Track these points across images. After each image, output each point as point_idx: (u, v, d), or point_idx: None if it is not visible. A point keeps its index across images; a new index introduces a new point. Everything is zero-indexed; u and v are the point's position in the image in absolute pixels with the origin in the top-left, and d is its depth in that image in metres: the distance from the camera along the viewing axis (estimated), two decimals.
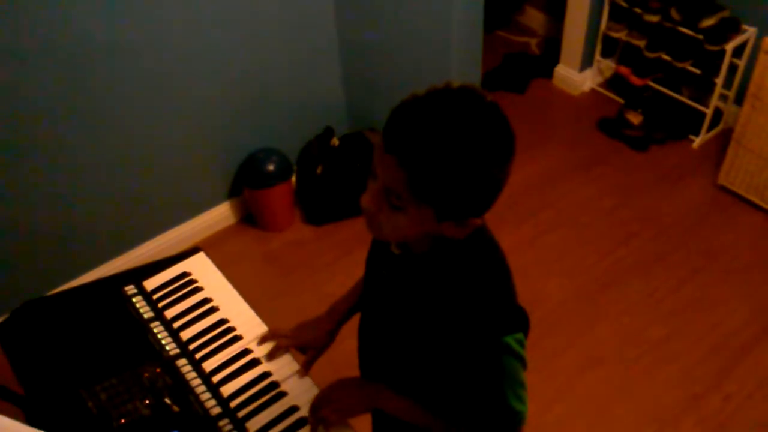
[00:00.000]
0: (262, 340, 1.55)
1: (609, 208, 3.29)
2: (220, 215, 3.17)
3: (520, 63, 4.08)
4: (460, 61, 3.19)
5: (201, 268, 1.72)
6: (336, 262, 3.05)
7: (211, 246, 3.10)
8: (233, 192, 3.16)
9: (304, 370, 1.51)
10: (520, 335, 1.17)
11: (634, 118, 3.56)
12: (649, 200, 3.31)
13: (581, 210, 3.28)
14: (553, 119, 3.89)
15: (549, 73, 4.00)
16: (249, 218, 3.22)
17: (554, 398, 2.52)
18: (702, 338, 2.72)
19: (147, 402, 1.39)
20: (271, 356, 1.51)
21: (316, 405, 1.39)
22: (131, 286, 1.64)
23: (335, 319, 1.53)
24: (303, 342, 1.53)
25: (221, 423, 1.38)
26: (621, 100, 3.75)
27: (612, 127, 3.62)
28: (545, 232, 3.18)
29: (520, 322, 1.18)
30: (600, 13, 3.60)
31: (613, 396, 2.56)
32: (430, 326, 1.18)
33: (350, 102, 3.35)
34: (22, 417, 1.31)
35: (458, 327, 1.15)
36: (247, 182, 3.05)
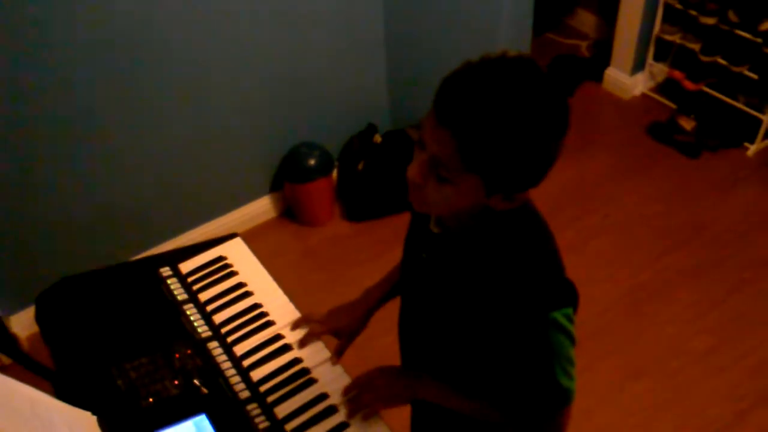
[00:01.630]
0: (295, 325, 1.52)
1: (657, 214, 3.19)
2: (261, 208, 3.17)
3: (569, 65, 4.00)
4: None
5: (237, 252, 1.70)
6: (374, 259, 3.02)
7: (252, 238, 3.02)
8: (275, 186, 3.16)
9: (336, 356, 1.48)
10: (568, 310, 1.13)
11: (687, 124, 3.45)
12: (700, 208, 3.20)
13: (629, 216, 3.19)
14: (602, 123, 3.81)
15: (599, 77, 3.91)
16: (289, 212, 3.22)
17: (595, 407, 2.44)
18: (750, 352, 2.61)
19: (176, 383, 1.37)
20: (303, 342, 1.49)
21: (357, 391, 1.36)
22: (167, 268, 1.63)
23: (369, 304, 1.50)
24: (336, 327, 1.50)
25: (249, 407, 1.36)
26: (673, 105, 3.64)
27: (663, 132, 3.52)
28: (591, 237, 3.10)
29: (568, 296, 1.15)
30: (653, 15, 3.51)
31: (656, 408, 2.47)
32: (475, 305, 1.15)
33: (394, 99, 3.32)
34: (51, 391, 1.31)
35: (505, 303, 1.11)
36: (288, 176, 3.04)
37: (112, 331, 1.49)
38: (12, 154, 2.38)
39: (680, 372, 2.55)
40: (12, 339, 2.48)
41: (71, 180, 2.56)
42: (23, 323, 2.62)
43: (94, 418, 1.27)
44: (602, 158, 3.51)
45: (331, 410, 1.36)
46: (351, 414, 1.35)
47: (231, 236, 1.75)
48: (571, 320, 1.14)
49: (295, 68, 2.89)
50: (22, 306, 2.64)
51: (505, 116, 0.95)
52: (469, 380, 1.26)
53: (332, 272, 3.03)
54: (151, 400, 1.34)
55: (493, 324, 1.14)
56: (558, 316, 1.11)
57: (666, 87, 3.77)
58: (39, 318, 1.54)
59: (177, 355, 1.43)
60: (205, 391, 1.37)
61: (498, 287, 1.12)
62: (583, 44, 4.23)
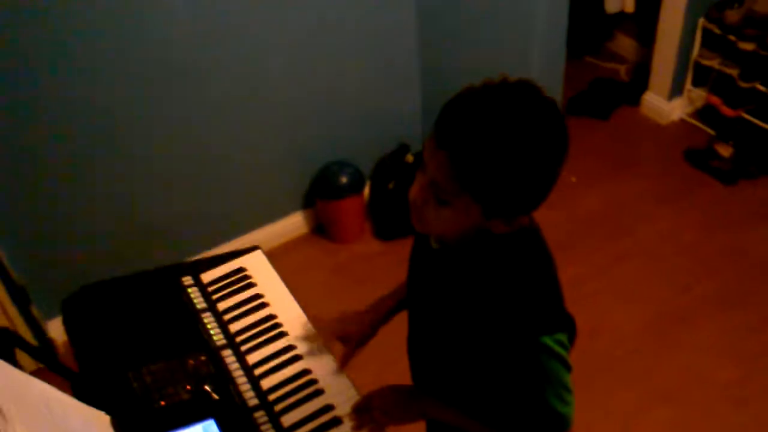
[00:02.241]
0: (306, 329, 1.56)
1: (691, 241, 3.15)
2: (293, 224, 3.23)
3: (606, 89, 3.99)
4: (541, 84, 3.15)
5: (257, 265, 1.76)
6: (403, 276, 3.04)
7: (283, 254, 3.17)
8: (307, 203, 3.22)
9: (343, 361, 1.51)
10: (561, 336, 1.13)
11: (724, 151, 3.41)
12: (735, 236, 3.15)
13: (661, 241, 3.16)
14: (637, 147, 3.78)
15: (636, 101, 3.89)
16: (320, 229, 3.27)
17: None
18: None
19: (188, 388, 1.43)
20: (310, 350, 1.53)
21: (366, 405, 1.39)
22: (188, 277, 1.70)
23: (378, 314, 1.53)
24: (345, 332, 1.53)
25: (257, 414, 1.40)
26: (711, 132, 3.60)
27: (700, 158, 3.47)
28: (620, 260, 3.08)
29: (561, 323, 1.15)
30: (691, 40, 3.49)
31: None
32: (469, 323, 1.17)
33: (426, 121, 3.37)
34: (70, 392, 1.37)
35: (496, 324, 1.13)
36: (319, 193, 3.10)
37: (131, 336, 1.55)
38: (58, 167, 2.50)
39: (704, 402, 2.50)
40: (36, 342, 2.57)
41: (110, 194, 2.67)
42: (59, 328, 2.72)
43: (108, 417, 1.32)
44: (637, 182, 3.48)
45: (336, 421, 1.40)
46: (358, 428, 1.38)
47: (252, 249, 1.80)
48: (564, 346, 1.14)
49: (331, 89, 2.96)
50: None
51: (501, 140, 0.98)
52: (471, 400, 1.28)
53: (361, 288, 3.03)
54: (163, 403, 1.40)
55: (487, 345, 1.15)
56: (549, 341, 1.11)
57: (704, 113, 3.72)
58: (65, 323, 1.62)
59: (191, 362, 1.48)
60: (215, 396, 1.42)
61: (491, 308, 1.13)
62: (622, 68, 4.21)
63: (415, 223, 1.14)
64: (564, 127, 1.03)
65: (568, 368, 1.16)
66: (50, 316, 2.73)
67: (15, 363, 1.33)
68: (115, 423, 1.32)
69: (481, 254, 1.15)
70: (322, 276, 3.16)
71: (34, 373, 1.23)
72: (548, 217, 3.32)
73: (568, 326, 1.17)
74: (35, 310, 2.60)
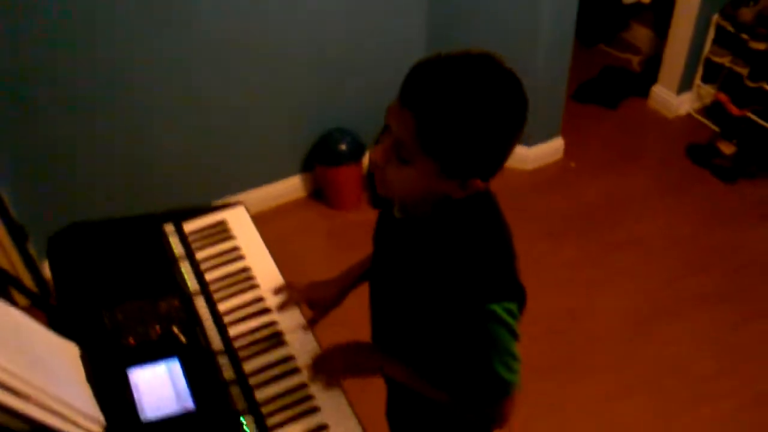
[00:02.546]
0: (277, 290, 1.62)
1: (685, 235, 3.17)
2: (291, 187, 3.29)
3: (616, 78, 3.99)
4: (546, 71, 3.19)
5: (238, 219, 1.81)
6: None
7: (279, 215, 3.23)
8: (306, 167, 3.27)
9: (310, 324, 1.56)
10: (510, 305, 1.17)
11: (726, 148, 3.41)
12: (730, 234, 3.17)
13: (656, 234, 3.18)
14: (642, 139, 3.79)
15: (646, 93, 3.89)
16: (318, 194, 3.32)
17: (577, 419, 2.46)
18: (751, 384, 2.57)
19: (157, 328, 1.48)
20: (281, 307, 1.58)
21: (322, 358, 1.45)
22: (171, 225, 1.75)
23: (347, 281, 1.58)
24: (313, 298, 1.59)
25: (221, 358, 1.46)
26: (717, 129, 3.60)
27: (701, 154, 3.48)
28: (614, 249, 3.11)
29: (510, 291, 1.18)
30: (704, 36, 3.47)
31: (644, 427, 2.46)
32: (425, 289, 1.21)
33: None
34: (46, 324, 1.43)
35: (448, 290, 1.17)
36: (319, 158, 3.15)
37: (110, 275, 1.61)
38: (60, 110, 2.57)
39: (674, 393, 2.54)
40: (33, 281, 2.64)
41: (110, 139, 2.73)
42: None
43: (77, 349, 1.39)
44: (638, 174, 3.50)
45: (295, 371, 1.46)
46: (313, 377, 1.43)
47: (235, 204, 1.85)
48: (512, 315, 1.17)
49: (340, 57, 2.99)
50: None
51: (462, 103, 1.02)
52: (424, 361, 1.33)
53: (353, 254, 3.10)
54: (132, 340, 1.46)
55: (440, 311, 1.20)
56: (497, 308, 1.14)
57: (711, 109, 3.72)
58: (50, 258, 1.68)
59: (164, 304, 1.54)
60: (182, 339, 1.47)
61: (444, 274, 1.17)
62: (635, 59, 4.20)
63: (378, 185, 1.18)
64: (522, 96, 1.08)
65: (515, 337, 1.19)
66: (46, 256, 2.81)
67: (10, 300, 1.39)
68: (83, 355, 1.39)
69: (439, 223, 1.19)
70: (316, 240, 3.22)
71: (26, 310, 1.30)
72: (546, 202, 3.38)
73: (518, 296, 1.20)
74: (32, 250, 2.67)
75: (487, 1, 3.01)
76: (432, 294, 1.20)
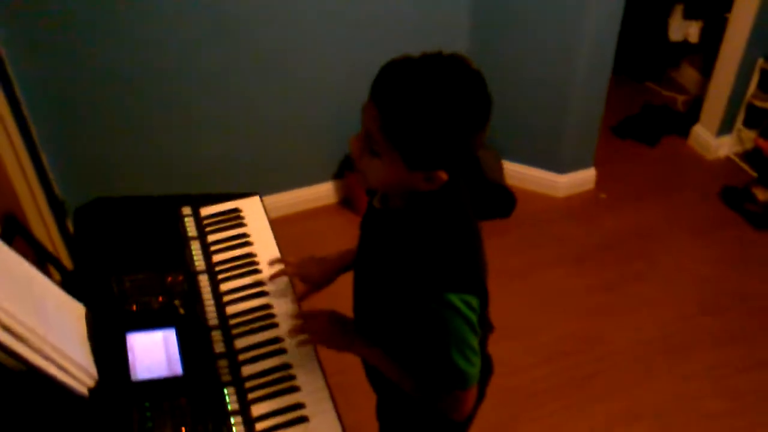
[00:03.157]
0: (272, 261, 1.71)
1: (706, 275, 3.15)
2: (323, 192, 3.39)
3: (658, 116, 3.99)
4: (581, 100, 3.23)
5: (252, 209, 1.91)
6: None
7: (309, 218, 3.34)
8: (339, 174, 3.37)
9: (300, 297, 1.65)
10: (469, 298, 1.21)
11: (762, 195, 3.38)
12: (751, 279, 3.13)
13: (676, 270, 3.17)
14: (676, 177, 3.77)
15: (687, 132, 3.88)
16: (348, 202, 3.42)
17: None
18: (762, 426, 2.55)
19: (160, 299, 1.59)
20: (272, 277, 1.68)
21: (307, 316, 1.52)
22: (188, 208, 1.86)
23: (340, 262, 1.65)
24: (306, 273, 1.67)
25: (214, 333, 1.55)
26: (754, 174, 3.57)
27: (735, 197, 3.45)
28: (633, 280, 3.11)
29: (471, 285, 1.22)
30: (748, 79, 3.46)
31: None
32: (393, 277, 1.28)
33: None
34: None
35: (410, 278, 1.23)
36: (350, 167, 3.24)
37: (125, 247, 1.72)
38: (113, 100, 2.74)
39: (679, 427, 2.53)
40: (68, 254, 2.79)
41: (155, 132, 2.90)
42: None
43: (84, 309, 1.50)
44: (668, 211, 3.49)
45: (281, 352, 1.54)
46: (290, 334, 1.52)
47: (251, 194, 1.95)
48: (472, 309, 1.22)
49: (374, 66, 3.08)
50: None
51: (421, 97, 1.09)
52: (393, 348, 1.39)
53: None
54: (135, 307, 1.56)
55: (404, 298, 1.26)
56: (455, 298, 1.19)
57: (751, 155, 3.69)
58: (74, 227, 1.81)
59: (169, 278, 1.64)
60: (182, 311, 1.58)
61: (409, 263, 1.24)
62: (681, 98, 4.19)
63: (358, 178, 1.26)
64: (483, 97, 1.14)
65: (474, 330, 1.24)
66: None
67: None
68: (88, 315, 1.50)
69: (409, 214, 1.26)
70: (339, 245, 3.29)
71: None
72: (573, 229, 3.41)
73: (479, 292, 1.24)
74: (71, 226, 2.83)
75: (529, 26, 3.07)
76: (398, 282, 1.26)
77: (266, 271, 1.73)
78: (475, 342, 1.26)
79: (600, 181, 3.58)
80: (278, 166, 3.22)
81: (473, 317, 1.23)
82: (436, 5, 3.04)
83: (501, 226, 3.36)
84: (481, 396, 1.52)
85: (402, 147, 1.14)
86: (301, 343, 1.51)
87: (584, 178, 3.54)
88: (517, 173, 3.52)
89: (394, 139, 1.14)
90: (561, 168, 3.46)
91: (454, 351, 1.24)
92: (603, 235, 3.35)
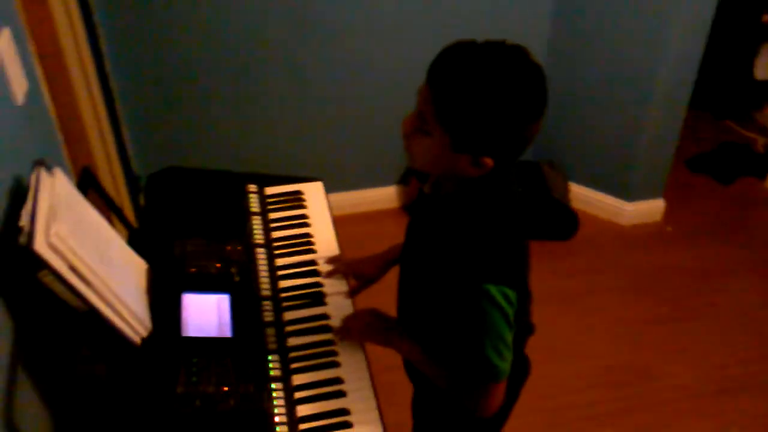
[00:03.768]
0: (329, 260, 1.75)
1: (763, 320, 3.04)
2: (385, 196, 3.44)
3: (736, 154, 3.90)
4: (657, 126, 3.19)
5: (314, 193, 1.97)
6: None
7: (368, 219, 3.38)
8: (403, 180, 3.41)
9: (353, 293, 1.69)
10: (508, 291, 1.21)
11: None
12: None
13: (736, 312, 3.08)
14: (747, 218, 3.67)
15: (764, 174, 3.77)
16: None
17: None
18: None
19: (218, 265, 1.65)
20: (328, 274, 1.71)
21: (351, 315, 1.57)
22: (254, 186, 1.93)
23: (388, 257, 1.70)
24: (357, 270, 1.72)
25: (265, 303, 1.60)
26: None
27: None
28: (690, 316, 3.04)
29: (510, 278, 1.23)
30: None
31: None
32: (435, 264, 1.30)
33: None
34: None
35: (451, 266, 1.25)
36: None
37: (191, 214, 1.80)
38: (192, 89, 2.86)
39: None
40: None
41: (231, 119, 3.02)
42: None
43: (146, 265, 1.57)
44: (733, 250, 3.40)
45: (327, 328, 1.57)
46: (336, 332, 1.56)
47: (315, 179, 2.01)
48: (509, 302, 1.22)
49: None
50: None
51: (474, 79, 1.12)
52: (430, 340, 1.41)
53: None
54: (193, 270, 1.63)
55: (443, 286, 1.27)
56: (493, 289, 1.20)
57: None
58: (145, 193, 1.90)
59: (229, 248, 1.70)
60: (237, 279, 1.63)
61: (451, 250, 1.25)
62: (762, 140, 4.08)
63: (408, 156, 1.29)
64: (538, 89, 1.15)
65: (509, 324, 1.24)
66: None
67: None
68: (149, 272, 1.57)
69: (457, 202, 1.28)
70: None
71: None
72: (634, 258, 3.35)
73: (518, 286, 1.24)
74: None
75: (608, 46, 3.06)
76: (440, 268, 1.28)
77: (320, 252, 1.77)
78: (509, 336, 1.26)
79: (668, 213, 3.51)
80: (344, 165, 3.29)
81: (510, 311, 1.23)
82: (515, 19, 3.06)
83: (561, 248, 3.33)
84: (515, 397, 1.52)
85: (450, 127, 1.17)
86: (342, 338, 1.54)
87: (652, 208, 3.48)
88: (583, 196, 3.49)
89: (443, 119, 1.16)
90: (629, 195, 3.41)
91: (487, 342, 1.24)
92: (664, 268, 3.28)
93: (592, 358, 2.81)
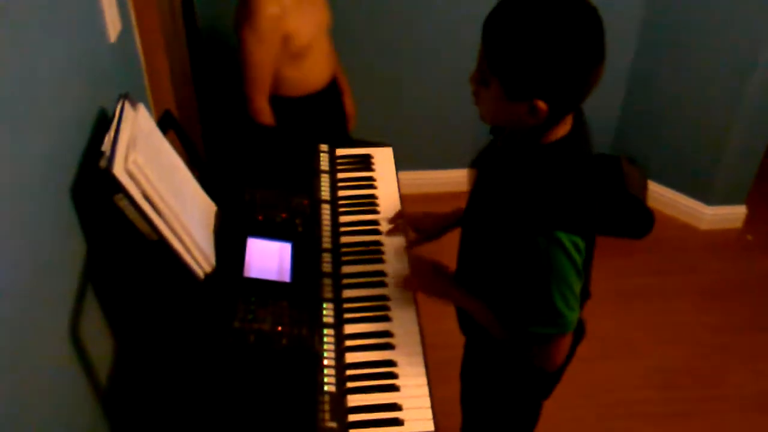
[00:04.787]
0: (391, 218, 1.78)
1: None
2: (455, 178, 3.44)
3: None
4: (745, 131, 3.09)
5: (383, 158, 2.00)
6: None
7: (435, 200, 3.34)
8: (475, 164, 3.40)
9: (410, 245, 1.73)
10: (577, 239, 1.23)
11: None
12: None
13: None
14: None
15: None
16: None
17: None
18: None
19: (283, 215, 1.70)
20: (389, 231, 1.75)
21: (415, 260, 1.62)
22: (326, 146, 1.98)
23: (450, 218, 1.71)
24: (419, 224, 1.75)
25: (325, 255, 1.64)
26: None
27: None
28: (759, 328, 2.92)
29: (580, 227, 1.23)
30: None
31: None
32: (503, 213, 1.31)
33: (621, 126, 3.38)
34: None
35: (522, 212, 1.26)
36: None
37: (263, 165, 1.85)
38: None
39: None
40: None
41: None
42: None
43: (215, 208, 1.63)
44: None
45: (382, 284, 1.61)
46: (396, 283, 1.59)
47: (385, 145, 2.04)
48: (578, 250, 1.23)
49: None
50: None
51: (521, 23, 1.14)
52: (493, 293, 1.42)
53: None
54: (260, 217, 1.68)
55: (513, 232, 1.28)
56: (563, 236, 1.21)
57: None
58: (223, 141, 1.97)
59: (296, 200, 1.75)
60: (300, 230, 1.68)
61: (523, 198, 1.26)
62: None
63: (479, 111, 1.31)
64: (591, 33, 1.14)
65: (578, 273, 1.25)
66: None
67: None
68: (218, 214, 1.63)
69: (531, 155, 1.28)
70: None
71: None
72: (709, 264, 3.25)
73: (587, 236, 1.26)
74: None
75: (702, 41, 2.97)
76: (509, 217, 1.29)
77: (384, 213, 1.80)
78: (577, 286, 1.27)
79: (749, 221, 3.38)
80: (419, 144, 3.30)
81: (579, 259, 1.24)
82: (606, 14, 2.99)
83: (634, 245, 3.25)
84: (570, 354, 1.51)
85: (501, 75, 1.19)
86: (401, 288, 1.57)
87: (733, 214, 3.36)
88: (661, 196, 3.39)
89: (494, 68, 1.19)
90: (710, 199, 3.30)
91: (555, 290, 1.25)
92: (740, 276, 3.16)
93: (652, 358, 2.74)
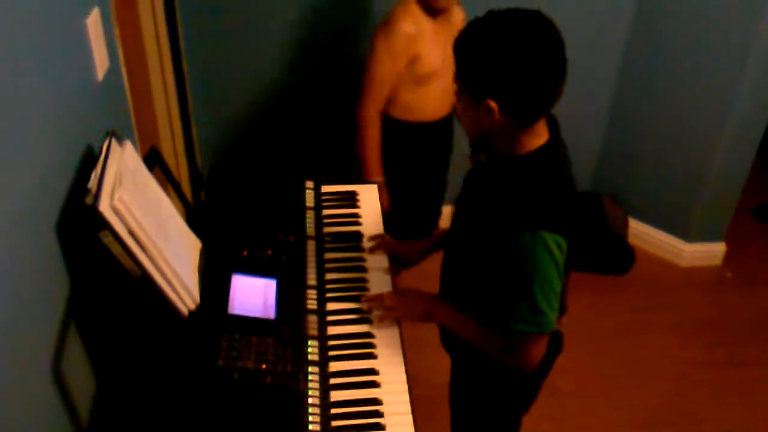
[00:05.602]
0: (372, 237, 1.82)
1: None
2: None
3: None
4: (723, 168, 3.14)
5: (368, 194, 2.01)
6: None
7: None
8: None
9: (391, 272, 1.75)
10: (560, 239, 1.28)
11: None
12: None
13: None
14: None
15: None
16: None
17: None
18: None
19: (269, 252, 1.70)
20: (371, 250, 1.80)
21: (386, 297, 1.62)
22: (311, 183, 1.98)
23: (429, 242, 1.79)
24: (401, 251, 1.80)
25: (309, 292, 1.64)
26: None
27: None
28: (740, 364, 2.94)
29: (562, 228, 1.29)
30: None
31: None
32: (489, 219, 1.36)
33: (601, 164, 3.42)
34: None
35: (507, 215, 1.31)
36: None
37: (248, 203, 1.86)
38: None
39: None
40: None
41: None
42: None
43: (200, 244, 1.63)
44: None
45: (366, 321, 1.61)
46: (371, 309, 1.60)
47: (372, 182, 2.06)
48: (560, 249, 1.28)
49: None
50: None
51: (478, 34, 1.25)
52: (475, 307, 1.46)
53: None
54: (245, 253, 1.68)
55: (497, 236, 1.33)
56: (547, 235, 1.27)
57: None
58: (207, 180, 1.97)
59: (281, 237, 1.75)
60: (285, 266, 1.68)
61: (508, 201, 1.32)
62: None
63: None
64: (541, 39, 1.23)
65: (558, 272, 1.29)
66: None
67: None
68: (203, 250, 1.63)
69: (512, 164, 1.35)
70: None
71: None
72: (689, 300, 3.26)
73: (569, 237, 1.31)
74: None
75: (679, 80, 3.03)
76: (495, 221, 1.34)
77: (368, 246, 1.81)
78: (558, 286, 1.31)
79: (729, 258, 3.42)
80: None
81: (560, 259, 1.29)
82: (588, 54, 3.06)
83: (615, 283, 3.27)
84: (545, 371, 1.55)
85: (461, 76, 1.29)
86: (381, 318, 1.58)
87: (712, 251, 3.40)
88: (641, 233, 3.43)
89: (459, 74, 1.28)
90: (689, 236, 3.34)
91: (537, 287, 1.29)
92: (720, 313, 3.19)
93: (636, 396, 2.74)
